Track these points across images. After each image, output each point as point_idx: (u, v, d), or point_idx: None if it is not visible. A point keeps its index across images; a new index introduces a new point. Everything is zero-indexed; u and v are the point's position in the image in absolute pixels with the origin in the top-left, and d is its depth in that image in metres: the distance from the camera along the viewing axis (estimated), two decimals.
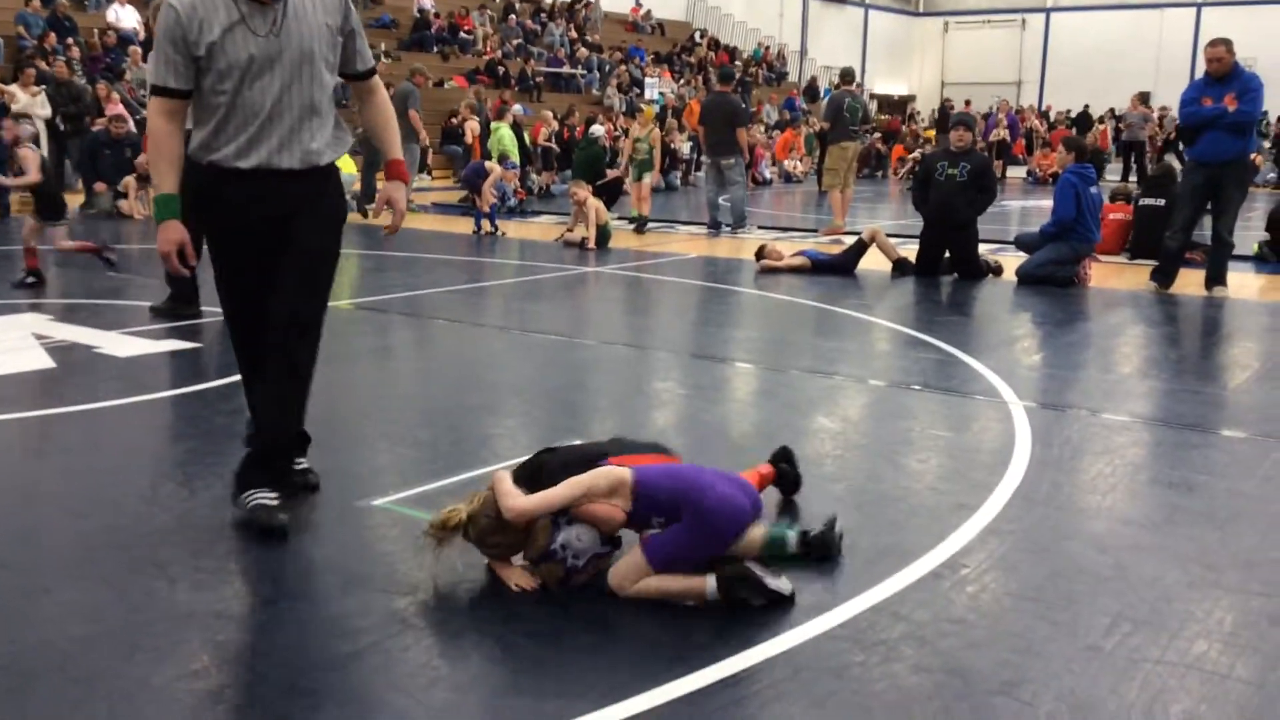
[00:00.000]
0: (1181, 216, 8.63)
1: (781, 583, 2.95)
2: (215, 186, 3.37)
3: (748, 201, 13.34)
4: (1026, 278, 9.05)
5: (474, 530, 3.03)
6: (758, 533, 3.14)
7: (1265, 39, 34.84)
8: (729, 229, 12.74)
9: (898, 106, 37.81)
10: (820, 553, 3.20)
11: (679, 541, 2.95)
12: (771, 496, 3.70)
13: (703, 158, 13.61)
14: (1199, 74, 8.55)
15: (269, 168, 3.35)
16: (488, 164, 14.33)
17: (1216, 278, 8.57)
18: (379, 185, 14.36)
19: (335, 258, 3.55)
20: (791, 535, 3.21)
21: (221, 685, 2.48)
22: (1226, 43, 8.30)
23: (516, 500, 2.97)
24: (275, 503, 3.38)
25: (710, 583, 2.91)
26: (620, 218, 13.66)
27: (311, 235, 3.44)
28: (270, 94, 3.31)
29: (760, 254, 9.73)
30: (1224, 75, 8.23)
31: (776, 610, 2.89)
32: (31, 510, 3.60)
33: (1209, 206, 8.49)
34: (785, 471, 3.75)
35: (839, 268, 9.61)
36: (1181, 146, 8.77)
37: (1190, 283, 8.75)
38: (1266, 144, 24.58)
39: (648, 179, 13.32)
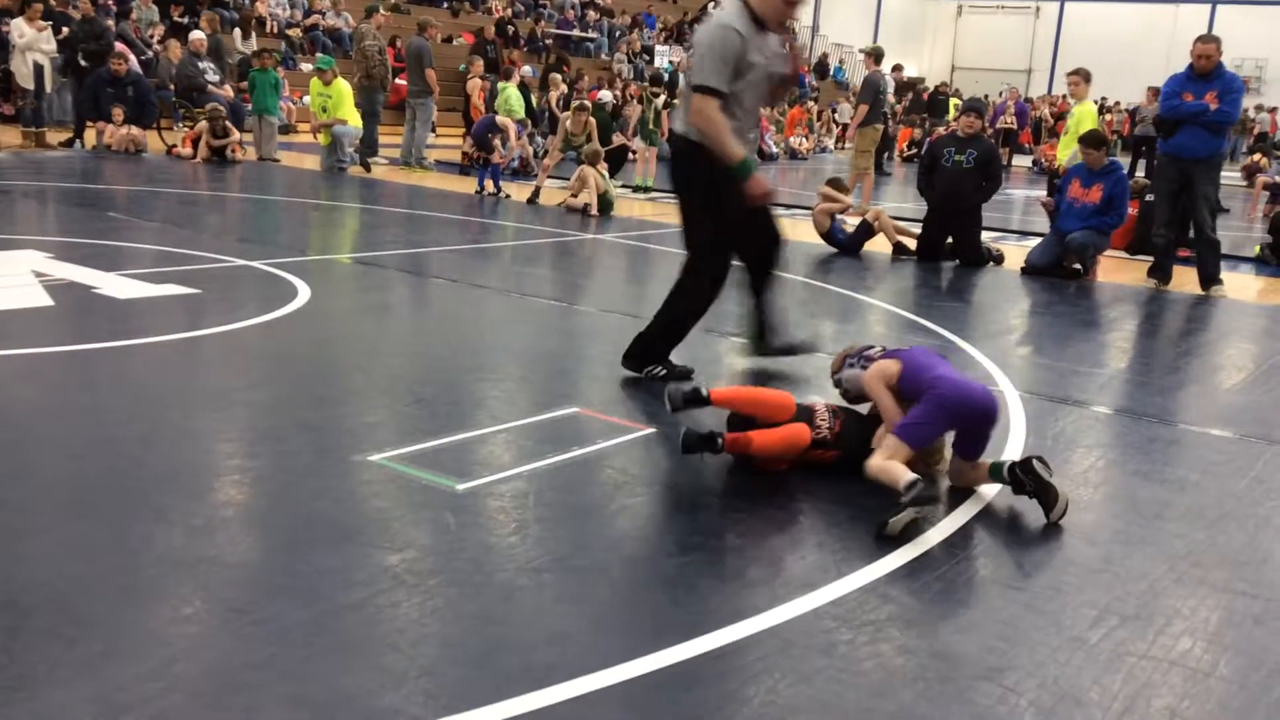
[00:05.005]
0: (1162, 212, 8.68)
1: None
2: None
3: None
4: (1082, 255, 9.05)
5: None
6: (984, 467, 3.73)
7: (1278, 40, 34.72)
8: None
9: (908, 88, 37.67)
10: (1033, 485, 3.54)
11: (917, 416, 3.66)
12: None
13: None
14: None
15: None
16: (499, 118, 14.20)
17: (1211, 277, 8.59)
18: (379, 137, 14.41)
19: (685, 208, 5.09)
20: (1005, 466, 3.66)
21: (211, 631, 2.49)
22: (1217, 41, 8.40)
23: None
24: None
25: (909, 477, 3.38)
26: (624, 185, 13.63)
27: None
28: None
29: None
30: (1207, 73, 8.29)
31: (772, 583, 2.92)
32: (28, 450, 3.59)
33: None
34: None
35: (842, 248, 9.60)
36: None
37: (1190, 281, 8.76)
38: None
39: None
